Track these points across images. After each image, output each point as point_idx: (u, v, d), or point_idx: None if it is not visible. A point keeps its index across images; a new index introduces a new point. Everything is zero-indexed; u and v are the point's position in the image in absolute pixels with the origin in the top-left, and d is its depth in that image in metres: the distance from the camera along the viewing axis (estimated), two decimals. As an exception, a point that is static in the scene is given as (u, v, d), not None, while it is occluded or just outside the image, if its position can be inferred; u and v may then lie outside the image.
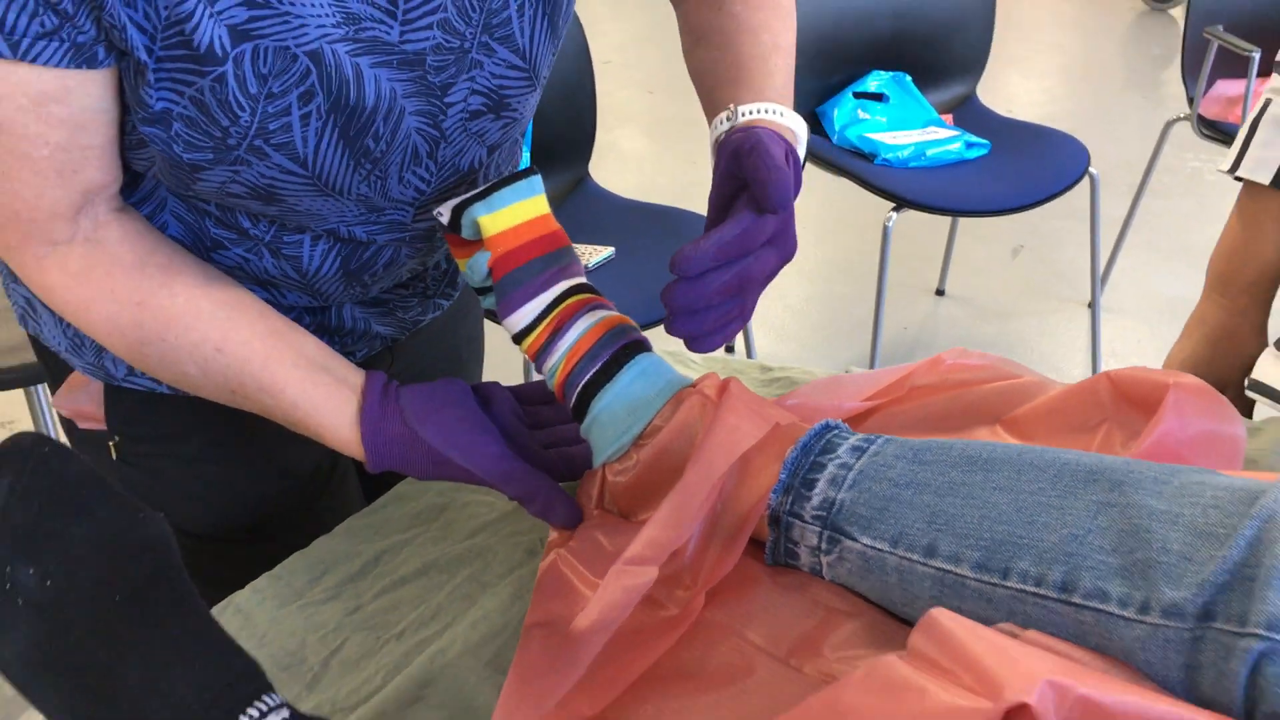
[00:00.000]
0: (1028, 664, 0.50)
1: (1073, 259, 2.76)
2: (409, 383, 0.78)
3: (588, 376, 0.76)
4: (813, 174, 2.25)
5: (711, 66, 0.85)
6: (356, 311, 0.90)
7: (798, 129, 0.78)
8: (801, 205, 2.95)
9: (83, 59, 0.64)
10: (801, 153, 0.79)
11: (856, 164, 2.08)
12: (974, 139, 2.14)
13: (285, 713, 0.56)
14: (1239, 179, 0.97)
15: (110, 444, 0.90)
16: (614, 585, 0.63)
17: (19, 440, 0.59)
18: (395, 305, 0.93)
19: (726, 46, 0.84)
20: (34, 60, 0.62)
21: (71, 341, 0.86)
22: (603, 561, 0.70)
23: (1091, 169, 2.12)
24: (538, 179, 0.80)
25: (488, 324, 1.18)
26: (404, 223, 0.82)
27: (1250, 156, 0.95)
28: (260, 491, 0.93)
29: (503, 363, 1.47)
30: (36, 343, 0.92)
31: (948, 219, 2.64)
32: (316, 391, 0.73)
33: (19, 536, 0.57)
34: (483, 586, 0.77)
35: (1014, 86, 3.62)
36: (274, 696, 0.56)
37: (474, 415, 0.75)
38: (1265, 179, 0.94)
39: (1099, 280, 2.31)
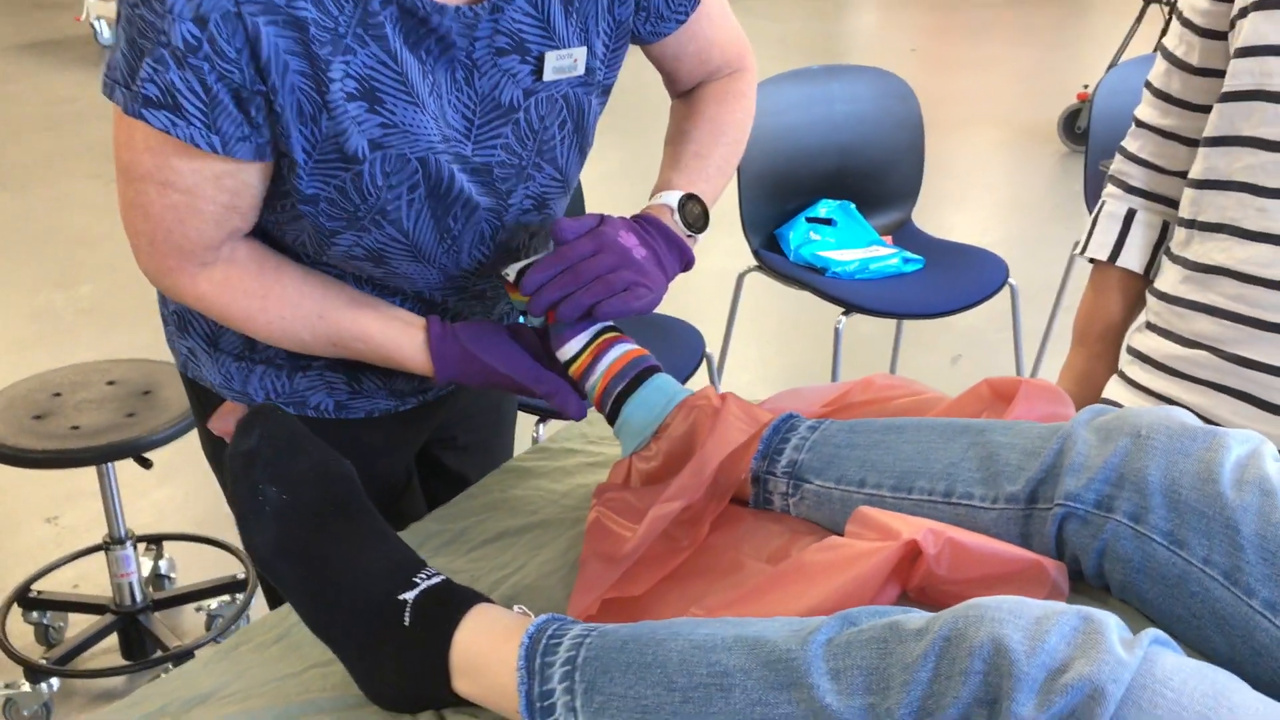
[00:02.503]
0: (916, 523, 0.81)
1: (1004, 367, 3.11)
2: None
3: (619, 389, 1.07)
4: (773, 288, 2.60)
5: (671, 149, 1.18)
6: None
7: (671, 202, 1.10)
8: (763, 315, 3.31)
9: (256, 155, 0.95)
10: (685, 220, 1.10)
11: (810, 277, 2.42)
12: (910, 255, 2.50)
13: (441, 577, 0.85)
14: (1090, 260, 1.30)
15: (247, 458, 1.19)
16: (652, 514, 0.93)
17: (261, 408, 0.89)
18: None
19: (682, 139, 1.17)
20: (230, 155, 0.93)
21: (224, 378, 1.16)
22: (632, 514, 1.00)
23: (1011, 280, 2.48)
24: None
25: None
26: (466, 288, 1.13)
27: (1094, 241, 1.29)
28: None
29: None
30: (194, 384, 1.21)
31: (892, 334, 2.98)
32: (394, 332, 1.04)
33: (266, 466, 0.86)
34: (544, 545, 1.07)
35: (950, 217, 4.04)
36: (432, 569, 0.85)
37: (509, 342, 1.06)
38: (1104, 257, 1.28)
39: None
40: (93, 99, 5.45)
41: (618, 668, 0.73)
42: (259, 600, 2.19)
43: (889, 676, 0.64)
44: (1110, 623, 0.63)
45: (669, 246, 1.07)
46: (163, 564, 2.31)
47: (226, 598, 2.20)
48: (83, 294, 3.50)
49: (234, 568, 2.27)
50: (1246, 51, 1.04)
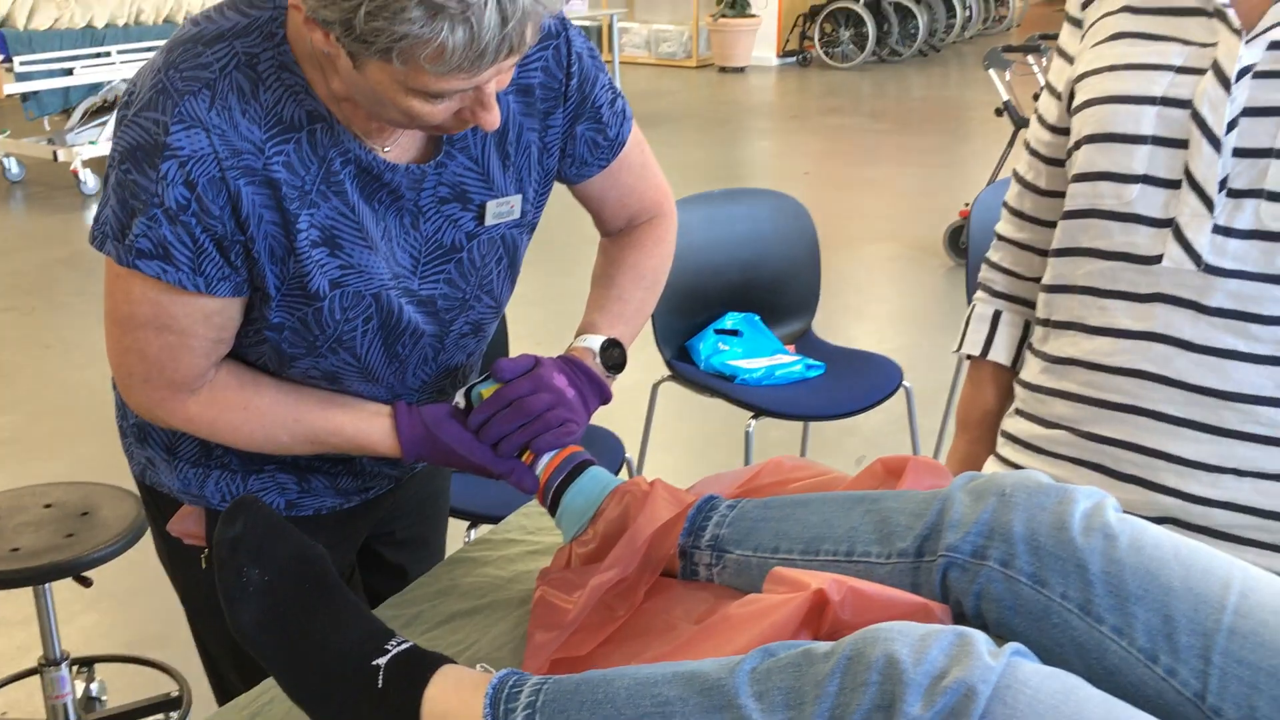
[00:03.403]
0: (823, 576, 0.94)
1: (905, 465, 3.29)
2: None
3: (558, 482, 1.20)
4: (686, 395, 2.76)
5: (595, 291, 1.33)
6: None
7: (594, 346, 1.25)
8: (677, 421, 3.46)
9: (236, 292, 1.08)
10: (605, 363, 1.25)
11: (720, 384, 2.59)
12: (812, 362, 2.69)
13: (409, 644, 0.96)
14: (966, 356, 1.48)
15: (201, 556, 1.28)
16: (591, 584, 1.05)
17: (243, 500, 1.00)
18: (397, 466, 1.35)
19: (605, 283, 1.32)
20: (214, 294, 1.06)
21: (182, 483, 1.26)
22: (574, 590, 1.12)
23: (906, 383, 2.68)
24: None
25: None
26: (411, 403, 1.26)
27: (968, 339, 1.46)
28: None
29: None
30: (151, 491, 1.30)
31: (799, 437, 3.15)
32: (363, 422, 1.16)
33: (249, 551, 0.97)
34: (494, 623, 1.18)
35: (849, 326, 4.28)
36: (401, 637, 0.96)
37: (467, 433, 1.18)
38: (977, 353, 1.45)
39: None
40: (7, 233, 5.48)
41: (573, 706, 0.85)
42: (194, 717, 2.22)
43: (803, 693, 0.77)
44: (980, 638, 0.77)
45: (591, 387, 1.23)
46: (94, 686, 2.33)
47: (160, 717, 2.22)
48: (2, 424, 3.52)
49: (167, 686, 2.29)
50: (1081, 177, 1.23)
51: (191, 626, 1.38)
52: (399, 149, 1.09)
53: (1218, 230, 1.11)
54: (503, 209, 1.17)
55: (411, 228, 1.12)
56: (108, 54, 5.98)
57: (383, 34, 0.87)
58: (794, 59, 10.66)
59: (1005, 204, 1.43)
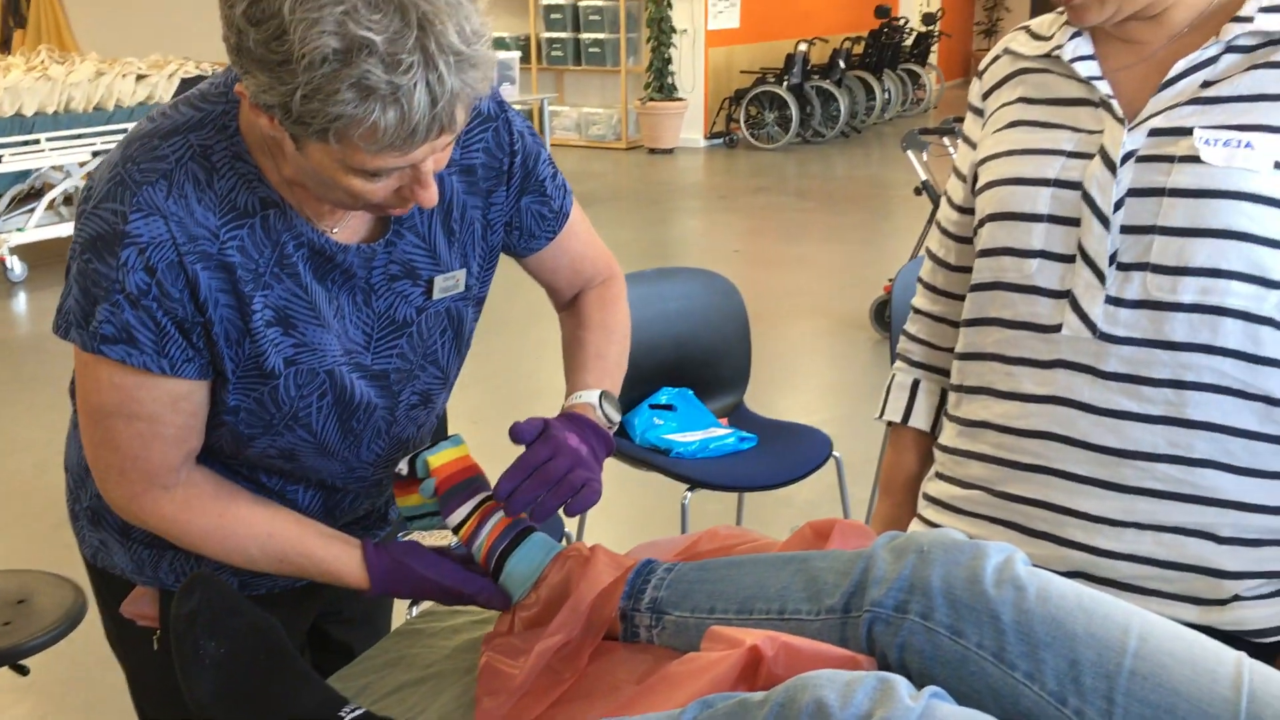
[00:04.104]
0: (757, 633, 1.00)
1: (838, 533, 3.36)
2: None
3: (501, 548, 1.24)
4: (622, 469, 2.81)
5: (572, 355, 1.38)
6: None
7: (592, 399, 1.29)
8: (615, 495, 3.50)
9: (201, 374, 1.12)
10: (605, 414, 1.30)
11: (656, 458, 2.65)
12: (745, 434, 2.76)
13: (362, 709, 0.99)
14: (888, 422, 1.56)
15: (154, 637, 1.30)
16: (537, 649, 1.10)
17: (198, 575, 1.04)
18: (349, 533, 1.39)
19: (580, 345, 1.38)
20: (179, 375, 1.10)
21: (136, 565, 1.28)
22: (518, 654, 1.16)
23: (836, 454, 2.76)
24: (461, 438, 1.31)
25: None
26: (365, 476, 1.30)
27: (889, 407, 1.54)
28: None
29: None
30: (103, 574, 1.32)
31: (734, 508, 3.21)
32: (335, 550, 1.19)
33: (205, 625, 1.00)
34: (441, 691, 1.21)
35: (780, 401, 4.37)
36: (354, 704, 0.99)
37: (434, 554, 1.22)
38: (898, 419, 1.53)
39: (854, 542, 2.89)
40: (-72, 321, 5.40)
41: (523, 762, 0.89)
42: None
43: (740, 740, 0.82)
44: (901, 682, 0.83)
45: (599, 440, 1.26)
46: (26, 779, 2.29)
47: (96, 807, 2.19)
48: (-74, 515, 3.45)
49: (103, 776, 2.26)
50: (986, 253, 1.32)
51: (139, 711, 1.39)
52: (349, 230, 1.15)
53: (1110, 301, 1.20)
54: (449, 283, 1.23)
55: (364, 304, 1.18)
56: (36, 141, 5.98)
57: (318, 115, 0.93)
58: (721, 140, 10.93)
59: (920, 279, 1.52)
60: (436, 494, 1.26)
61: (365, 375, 1.20)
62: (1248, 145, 1.14)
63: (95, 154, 6.34)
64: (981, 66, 1.43)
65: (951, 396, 1.41)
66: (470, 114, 1.00)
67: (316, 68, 0.90)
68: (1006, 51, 1.39)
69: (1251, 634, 1.18)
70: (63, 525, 3.46)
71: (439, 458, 1.26)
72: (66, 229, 6.32)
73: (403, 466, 1.27)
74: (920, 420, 1.50)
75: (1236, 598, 1.19)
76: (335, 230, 1.13)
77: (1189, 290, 1.16)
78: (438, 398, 1.32)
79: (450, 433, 1.34)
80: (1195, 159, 1.15)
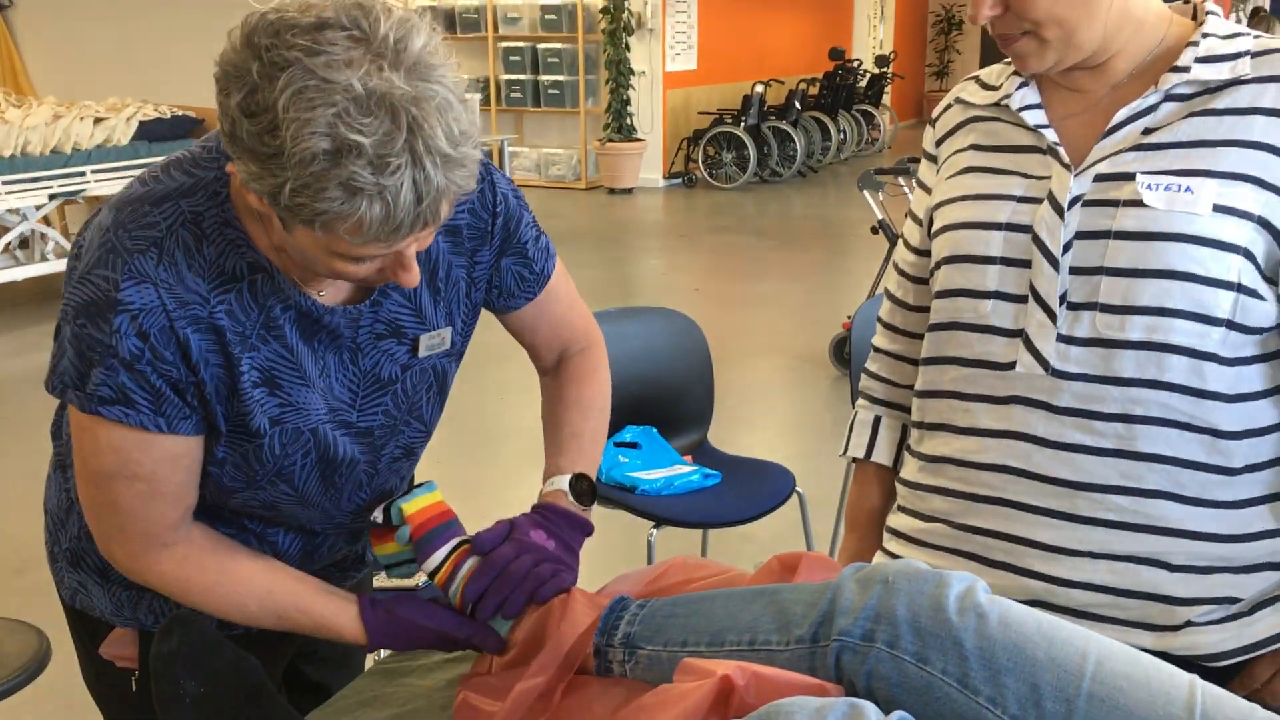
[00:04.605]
0: (728, 664, 1.03)
1: (802, 569, 3.39)
2: None
3: (470, 594, 1.26)
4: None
5: (549, 432, 1.41)
6: None
7: (563, 486, 1.32)
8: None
9: (196, 430, 1.13)
10: (578, 504, 1.32)
11: (622, 495, 2.67)
12: (709, 471, 2.79)
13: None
14: (852, 459, 1.59)
15: (132, 678, 1.30)
16: (518, 689, 1.12)
17: (178, 615, 1.05)
18: (324, 578, 1.40)
19: (557, 424, 1.40)
20: (176, 433, 1.11)
21: (115, 606, 1.29)
22: (495, 693, 1.18)
23: (799, 489, 2.79)
24: (434, 484, 1.33)
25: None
26: (344, 524, 1.32)
27: (852, 443, 1.58)
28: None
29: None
30: (82, 615, 1.33)
31: (699, 545, 3.23)
32: (333, 606, 1.20)
33: (185, 664, 1.02)
34: (417, 729, 1.22)
35: (743, 437, 4.41)
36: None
37: (428, 602, 1.23)
38: (861, 455, 1.57)
39: (818, 577, 2.92)
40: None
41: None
42: None
43: (715, 766, 0.85)
44: (869, 707, 0.86)
45: (571, 527, 1.29)
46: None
47: None
48: (-119, 563, 3.40)
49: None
50: (942, 294, 1.37)
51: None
52: (335, 290, 1.17)
53: (1061, 339, 1.25)
54: (434, 341, 1.26)
55: (350, 363, 1.20)
56: (-7, 183, 5.94)
57: (305, 208, 0.96)
58: (680, 180, 11.04)
59: (879, 318, 1.57)
60: (412, 540, 1.28)
61: (350, 432, 1.22)
62: (1188, 190, 1.19)
63: (52, 197, 6.31)
64: (934, 115, 1.48)
65: (913, 433, 1.45)
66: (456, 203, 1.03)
67: (306, 165, 0.93)
68: (958, 100, 1.44)
69: (1204, 658, 1.23)
70: (23, 571, 3.42)
71: (413, 505, 1.29)
72: (23, 272, 6.27)
73: (378, 515, 1.29)
74: (882, 456, 1.54)
75: (1189, 623, 1.23)
76: (322, 293, 1.16)
77: (1136, 328, 1.21)
78: (419, 449, 1.35)
79: (416, 476, 1.36)
80: (1138, 203, 1.21)
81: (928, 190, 1.45)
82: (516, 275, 1.33)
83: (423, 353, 1.25)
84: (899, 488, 1.46)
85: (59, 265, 6.42)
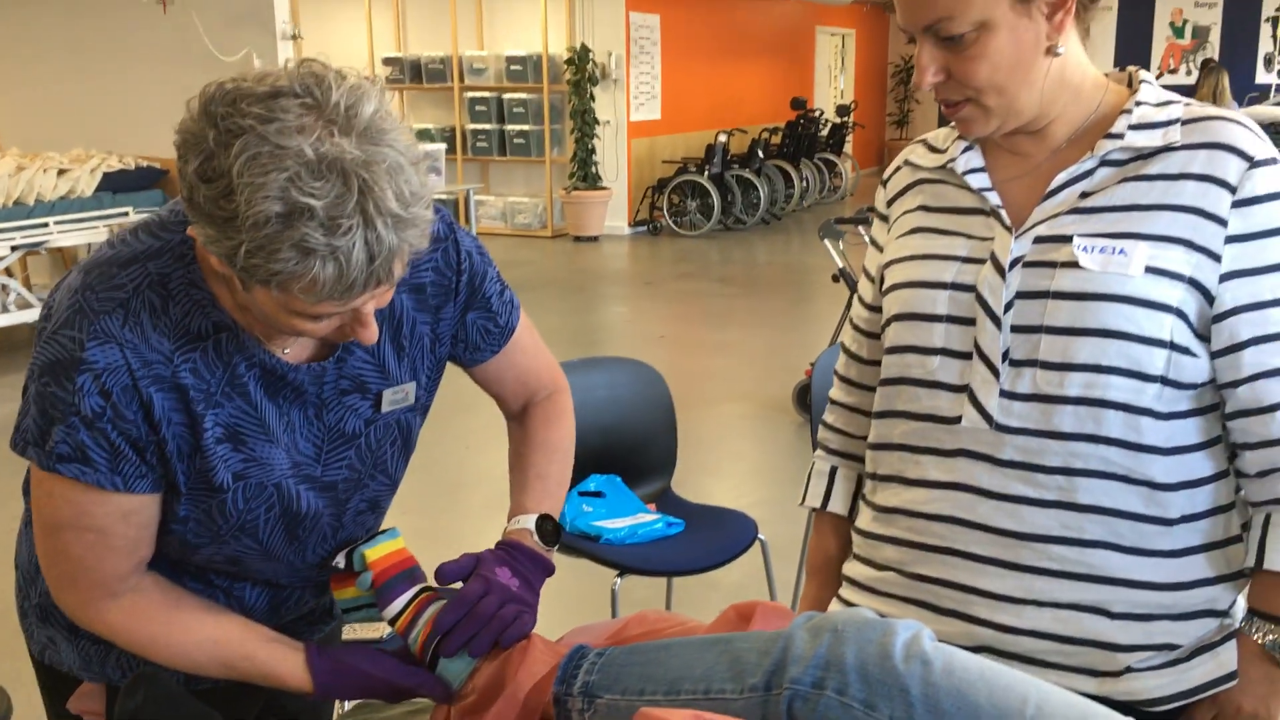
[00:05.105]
0: (684, 713, 1.06)
1: (766, 615, 3.42)
2: None
3: (438, 640, 1.29)
4: (553, 557, 2.84)
5: (515, 474, 1.44)
6: None
7: (529, 525, 1.35)
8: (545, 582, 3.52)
9: (153, 489, 1.16)
10: (543, 544, 1.35)
11: (586, 544, 2.69)
12: (673, 519, 2.82)
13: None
14: (811, 508, 1.63)
15: (102, 732, 1.32)
16: (473, 735, 1.14)
17: (143, 672, 1.07)
18: (292, 632, 1.42)
19: (523, 466, 1.44)
20: (131, 491, 1.14)
21: (84, 660, 1.30)
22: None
23: (761, 536, 2.83)
24: (397, 531, 1.36)
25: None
26: (310, 577, 1.34)
27: (810, 493, 1.60)
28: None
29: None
30: (51, 670, 1.34)
31: (664, 594, 3.26)
32: (278, 654, 1.22)
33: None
34: (380, 779, 1.24)
35: (708, 484, 4.45)
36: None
37: (376, 651, 1.25)
38: (818, 505, 1.59)
39: (781, 623, 2.94)
40: None
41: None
42: None
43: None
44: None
45: (534, 566, 1.32)
46: None
47: None
48: None
49: None
50: (892, 350, 1.41)
51: None
52: (299, 347, 1.20)
53: (1004, 394, 1.29)
54: (398, 396, 1.29)
55: (315, 418, 1.23)
56: (-45, 234, 5.92)
57: (260, 269, 0.99)
58: (645, 228, 11.14)
59: (836, 372, 1.61)
60: (373, 587, 1.30)
61: (314, 486, 1.24)
62: (1121, 252, 1.25)
63: (14, 249, 6.29)
64: (885, 176, 1.53)
65: (867, 483, 1.49)
66: (411, 257, 1.06)
67: (260, 228, 0.97)
68: (907, 163, 1.50)
69: (1144, 703, 1.27)
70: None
71: (375, 551, 1.31)
72: (-16, 322, 6.24)
73: (339, 560, 1.31)
74: (838, 506, 1.58)
75: (1129, 669, 1.27)
76: (286, 350, 1.19)
77: (1074, 385, 1.25)
78: (385, 501, 1.37)
79: (382, 523, 1.39)
80: (1074, 265, 1.26)
81: (880, 248, 1.50)
82: (481, 329, 1.37)
83: (386, 408, 1.28)
84: (854, 537, 1.50)
85: (21, 316, 6.39)
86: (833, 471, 1.59)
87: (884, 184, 1.53)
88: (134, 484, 1.12)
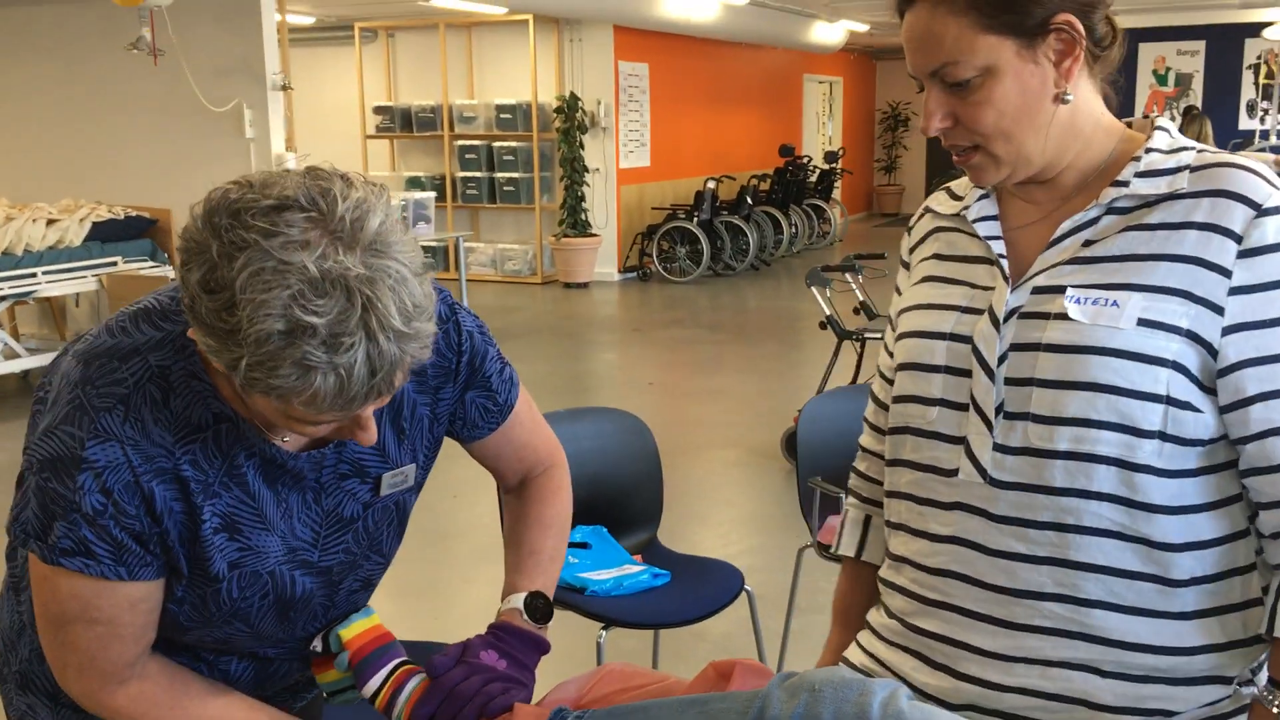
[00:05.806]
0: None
1: (755, 666, 3.38)
2: None
3: (421, 715, 1.26)
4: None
5: (509, 550, 1.42)
6: None
7: (518, 604, 1.33)
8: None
9: (158, 575, 1.14)
10: (533, 622, 1.33)
11: (571, 596, 2.67)
12: (658, 570, 2.80)
13: None
14: (839, 556, 1.58)
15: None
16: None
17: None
18: (276, 702, 1.40)
19: (517, 542, 1.42)
20: (136, 579, 1.12)
21: None
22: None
23: (748, 587, 2.80)
24: (372, 609, 1.34)
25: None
26: (296, 649, 1.32)
27: (844, 541, 1.54)
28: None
29: None
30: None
31: (651, 646, 3.22)
32: None
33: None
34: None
35: (695, 534, 4.42)
36: None
37: None
38: (852, 554, 1.53)
39: (770, 675, 2.91)
40: None
41: None
42: None
43: None
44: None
45: (524, 646, 1.30)
46: None
47: None
48: None
49: None
50: (898, 399, 1.38)
51: None
52: (299, 436, 1.20)
53: (996, 448, 1.27)
54: (397, 479, 1.28)
55: (314, 503, 1.22)
56: (-58, 285, 5.91)
57: (260, 382, 0.99)
58: (634, 274, 11.17)
59: (865, 418, 1.56)
60: (350, 666, 1.29)
61: (310, 571, 1.23)
62: (1113, 304, 1.21)
63: (2, 299, 6.28)
64: (910, 224, 1.51)
65: (886, 531, 1.46)
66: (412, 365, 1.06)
67: (262, 344, 0.96)
68: (927, 210, 1.47)
69: (1131, 769, 1.24)
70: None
71: (350, 630, 1.30)
72: (-31, 373, 6.21)
73: (317, 644, 1.30)
74: (874, 555, 1.51)
75: (1116, 731, 1.24)
76: (285, 439, 1.18)
77: (1064, 439, 1.23)
78: (377, 579, 1.36)
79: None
80: (1064, 316, 1.23)
81: (900, 295, 1.47)
82: (481, 408, 1.36)
83: (385, 491, 1.27)
84: (878, 583, 1.47)
85: (9, 366, 6.37)
86: (867, 520, 1.54)
87: (909, 230, 1.50)
88: (139, 572, 1.11)
